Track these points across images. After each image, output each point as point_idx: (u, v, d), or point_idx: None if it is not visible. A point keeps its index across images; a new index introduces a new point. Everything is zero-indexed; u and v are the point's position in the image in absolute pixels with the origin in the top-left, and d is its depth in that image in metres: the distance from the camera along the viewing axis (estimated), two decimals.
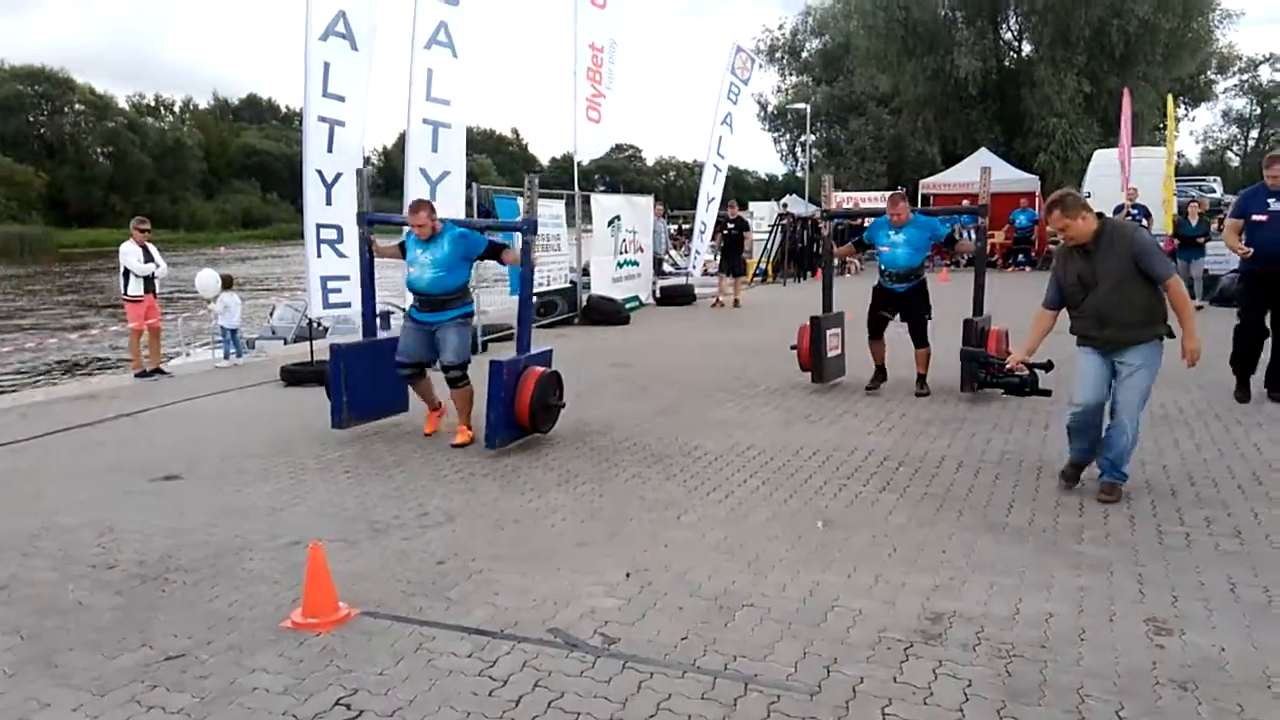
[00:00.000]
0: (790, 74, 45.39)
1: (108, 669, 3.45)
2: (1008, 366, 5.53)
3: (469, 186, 12.11)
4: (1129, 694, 3.11)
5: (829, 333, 8.47)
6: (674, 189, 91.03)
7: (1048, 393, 5.85)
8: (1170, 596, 3.89)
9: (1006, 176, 25.32)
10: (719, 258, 17.27)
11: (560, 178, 15.72)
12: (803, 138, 41.31)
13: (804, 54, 44.67)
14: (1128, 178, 18.40)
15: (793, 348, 8.64)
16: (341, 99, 9.40)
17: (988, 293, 8.42)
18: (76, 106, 70.83)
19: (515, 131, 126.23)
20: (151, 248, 10.23)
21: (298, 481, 5.89)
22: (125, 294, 10.20)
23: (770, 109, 45.48)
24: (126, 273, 10.08)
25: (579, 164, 14.39)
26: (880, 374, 8.42)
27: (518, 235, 7.22)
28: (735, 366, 9.98)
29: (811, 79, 43.98)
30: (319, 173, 9.38)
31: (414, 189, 10.09)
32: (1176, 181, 19.51)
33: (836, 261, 17.98)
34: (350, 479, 5.92)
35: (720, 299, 16.58)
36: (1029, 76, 32.79)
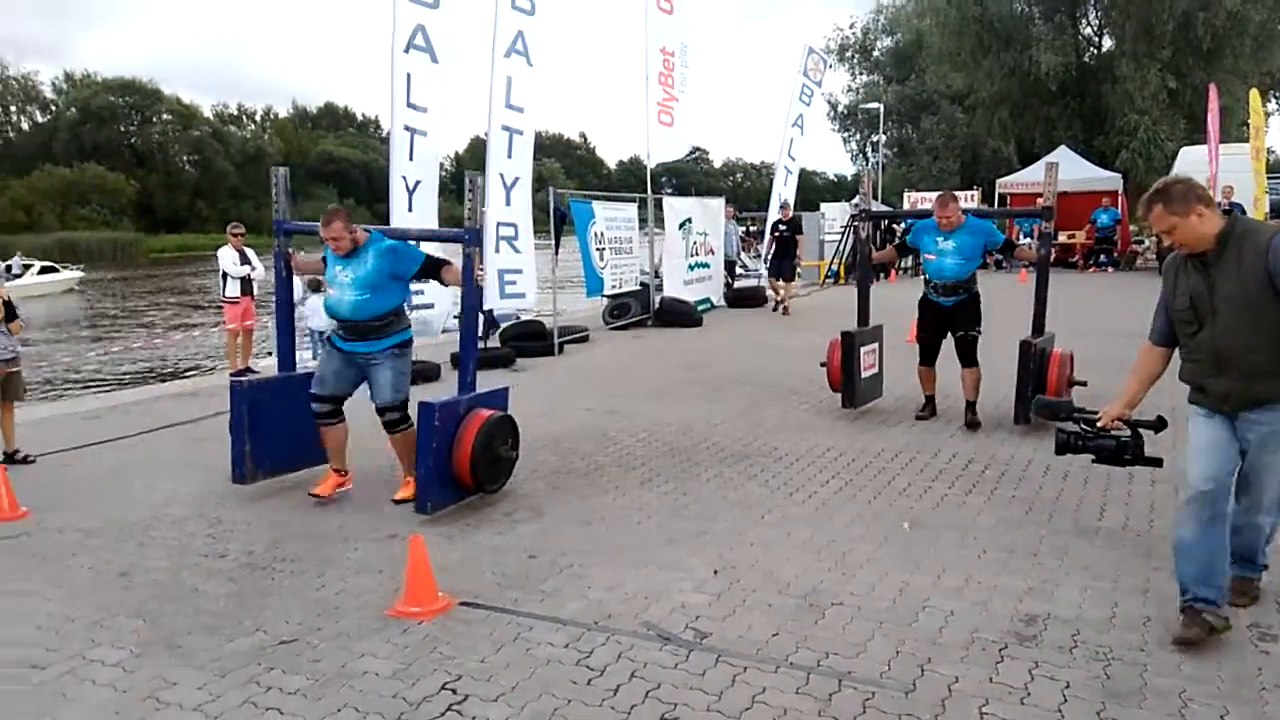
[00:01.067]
0: (861, 73, 44.94)
1: (226, 651, 3.65)
2: (1100, 425, 3.88)
3: (545, 190, 12.33)
4: (1234, 699, 3.07)
5: (864, 350, 7.48)
6: (741, 190, 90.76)
7: (1158, 462, 4.06)
8: (1275, 604, 3.80)
9: (1087, 175, 24.68)
10: (769, 260, 16.48)
11: (627, 180, 15.93)
12: (874, 137, 40.84)
13: (875, 53, 44.18)
14: (1215, 175, 17.81)
15: (822, 365, 7.69)
16: (423, 109, 9.67)
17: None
18: (164, 116, 73.65)
19: (583, 135, 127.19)
20: (249, 251, 10.64)
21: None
22: (223, 296, 10.64)
23: (840, 109, 45.04)
24: (224, 275, 10.51)
25: (650, 168, 14.52)
26: (930, 406, 7.45)
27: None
28: (807, 369, 9.94)
29: (883, 78, 43.46)
30: (403, 179, 9.66)
31: (493, 194, 10.33)
32: (1268, 178, 18.80)
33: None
34: None
35: (779, 302, 15.84)
36: (1110, 72, 31.86)
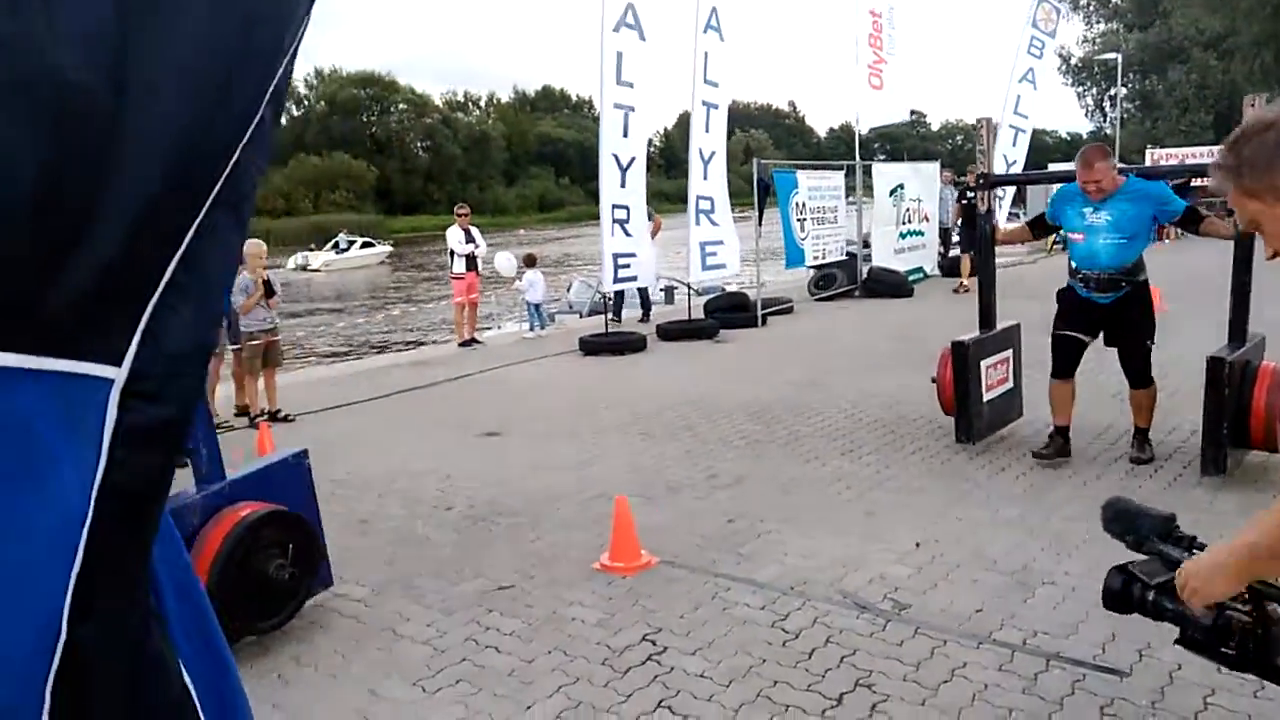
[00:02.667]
0: (1097, 21, 41.40)
1: (452, 594, 4.01)
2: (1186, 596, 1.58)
3: (750, 161, 12.32)
4: None
5: (987, 364, 5.74)
6: (961, 153, 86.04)
7: None
8: None
9: None
10: (959, 232, 14.27)
11: (838, 149, 15.47)
12: (1111, 90, 37.54)
13: None
14: None
15: (933, 380, 5.96)
16: (632, 86, 9.93)
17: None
18: (400, 106, 79.29)
19: (792, 104, 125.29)
20: (474, 230, 11.37)
21: (598, 442, 6.38)
22: (450, 272, 11.45)
23: (1074, 61, 41.74)
24: (451, 253, 11.30)
25: (859, 133, 14.13)
26: (1060, 441, 5.38)
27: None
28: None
29: (1123, 25, 39.85)
30: (615, 157, 9.98)
31: (695, 169, 10.49)
32: None
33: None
34: (645, 441, 6.33)
35: (964, 282, 13.01)
36: None
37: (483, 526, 4.82)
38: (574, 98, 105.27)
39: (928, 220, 15.73)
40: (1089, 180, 4.95)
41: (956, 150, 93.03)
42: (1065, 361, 5.32)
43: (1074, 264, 5.31)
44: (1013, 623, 3.46)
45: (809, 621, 3.58)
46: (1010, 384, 6.04)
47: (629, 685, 3.19)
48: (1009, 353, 6.03)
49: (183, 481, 3.83)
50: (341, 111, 75.49)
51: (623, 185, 10.12)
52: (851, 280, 13.86)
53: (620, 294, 11.16)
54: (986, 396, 5.76)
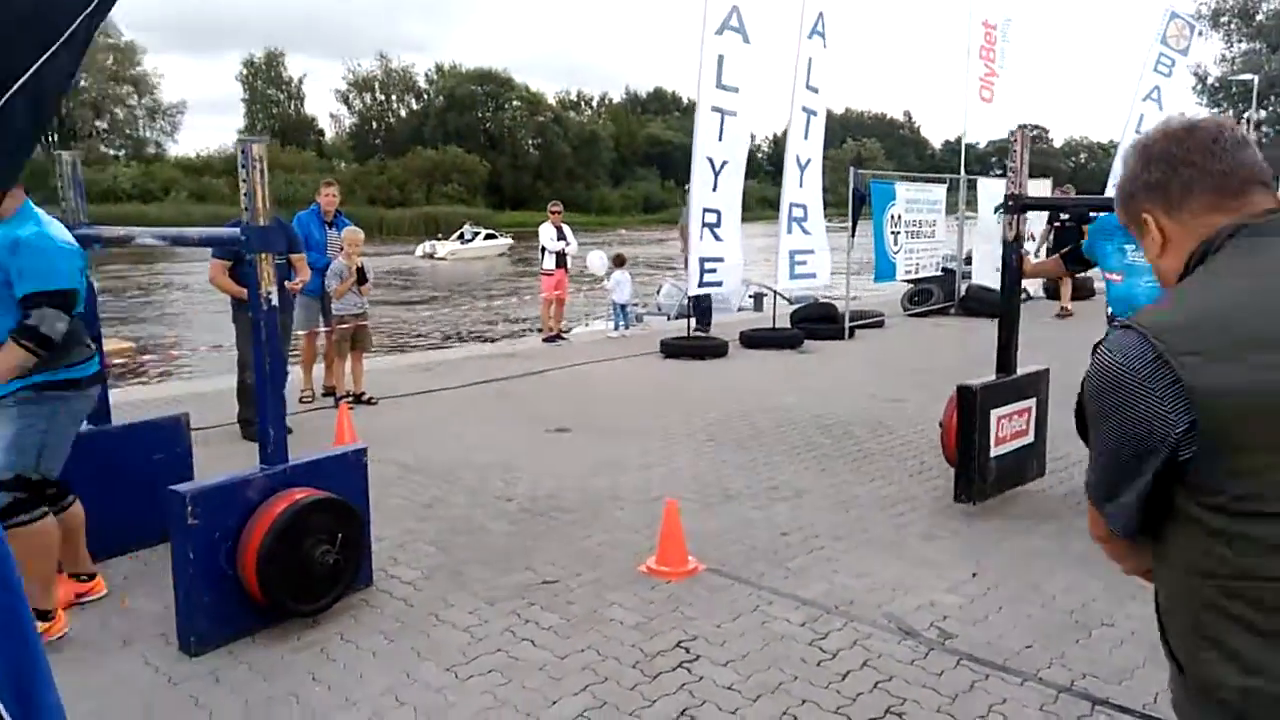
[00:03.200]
0: (1239, 40, 39.18)
1: (498, 584, 4.07)
2: None
3: (847, 170, 12.11)
4: None
5: (1000, 414, 4.97)
6: (1083, 172, 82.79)
7: None
8: None
9: None
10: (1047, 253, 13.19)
11: (950, 161, 15.00)
12: (1247, 113, 35.49)
13: (1259, 16, 38.26)
14: None
15: (941, 425, 5.39)
16: (734, 90, 9.88)
17: None
18: (514, 103, 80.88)
19: (907, 114, 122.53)
20: (565, 228, 11.52)
21: (665, 445, 6.38)
22: (541, 268, 11.63)
23: (1210, 81, 39.62)
24: (543, 249, 11.47)
25: (967, 146, 13.74)
26: None
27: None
28: None
29: (1266, 45, 37.58)
30: (709, 159, 9.95)
31: (789, 175, 10.38)
32: None
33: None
34: (711, 446, 6.30)
35: (1066, 305, 12.85)
36: None
37: (538, 520, 4.88)
38: (685, 100, 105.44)
39: (1033, 239, 15.16)
40: None
41: (1079, 168, 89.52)
42: None
43: (1111, 310, 4.84)
44: (1062, 662, 3.32)
45: (848, 643, 3.50)
46: (1030, 438, 5.25)
47: (657, 690, 3.18)
48: (1030, 402, 5.22)
49: (249, 460, 4.01)
50: (458, 107, 77.51)
51: (715, 189, 10.08)
52: (949, 297, 13.48)
53: (701, 299, 11.05)
54: (996, 451, 4.96)
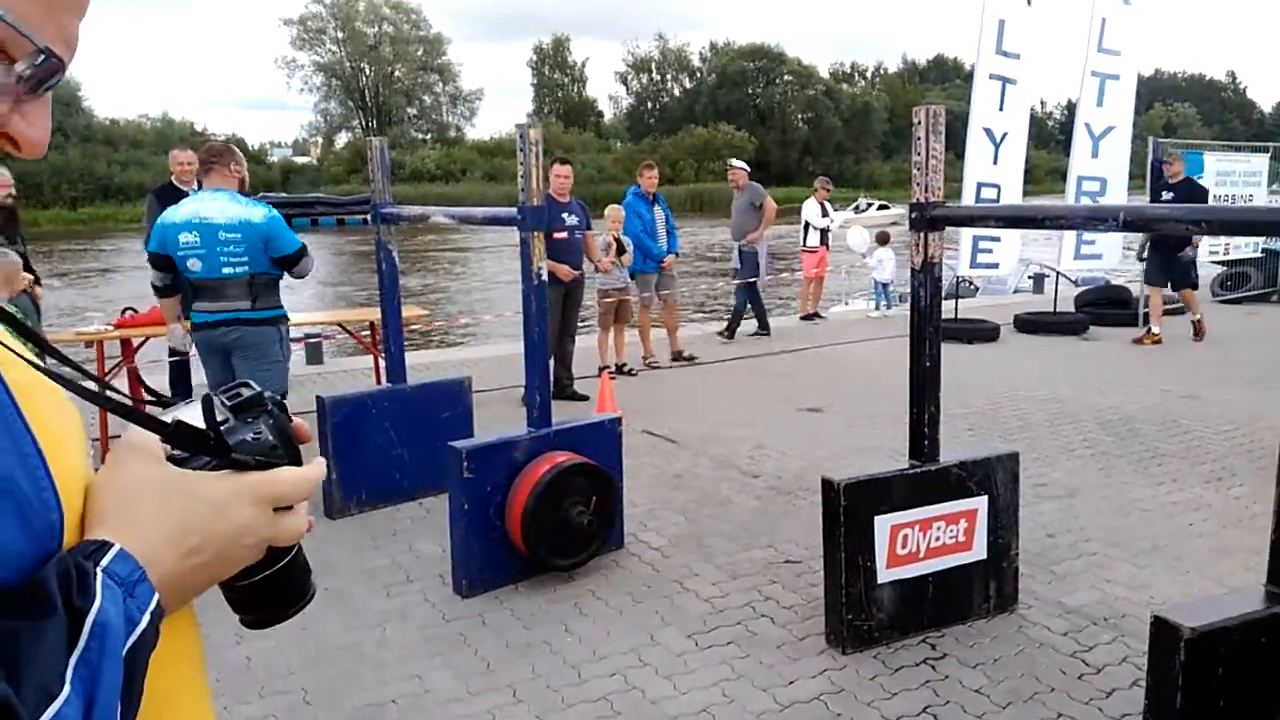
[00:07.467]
0: None
1: (741, 558, 4.13)
2: None
3: (1145, 140, 10.92)
4: None
5: (899, 522, 3.30)
6: None
7: None
8: None
9: None
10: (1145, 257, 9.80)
11: None
12: None
13: None
14: None
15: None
16: (1014, 56, 9.22)
17: None
18: (785, 78, 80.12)
19: (1231, 74, 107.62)
20: (828, 205, 11.31)
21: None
22: (803, 245, 11.50)
23: None
24: (806, 225, 11.33)
25: None
26: None
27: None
28: None
29: None
30: (986, 130, 9.37)
31: (1079, 146, 9.52)
32: None
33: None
34: (972, 436, 5.98)
35: (1152, 330, 9.15)
36: None
37: (785, 499, 4.88)
38: (967, 67, 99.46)
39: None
40: None
41: None
42: None
43: None
44: None
45: (1116, 659, 3.22)
46: (974, 552, 3.46)
47: (897, 683, 3.10)
48: (973, 503, 3.44)
49: (519, 424, 4.33)
50: (729, 84, 77.99)
51: (995, 162, 9.47)
52: (1269, 282, 11.81)
53: (751, 295, 9.88)
54: (891, 575, 3.31)
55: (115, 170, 48.48)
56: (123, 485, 0.63)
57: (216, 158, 4.44)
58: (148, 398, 0.82)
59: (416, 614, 3.68)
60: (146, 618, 0.56)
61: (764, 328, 10.04)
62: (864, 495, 3.23)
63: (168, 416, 0.65)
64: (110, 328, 6.13)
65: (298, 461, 0.69)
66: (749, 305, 9.90)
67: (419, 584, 3.95)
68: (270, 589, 0.70)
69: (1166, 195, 8.88)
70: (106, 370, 6.15)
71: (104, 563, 0.56)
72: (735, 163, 10.29)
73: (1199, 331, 9.15)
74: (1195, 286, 9.43)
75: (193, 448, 0.64)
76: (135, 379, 6.22)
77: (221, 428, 0.65)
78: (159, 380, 7.11)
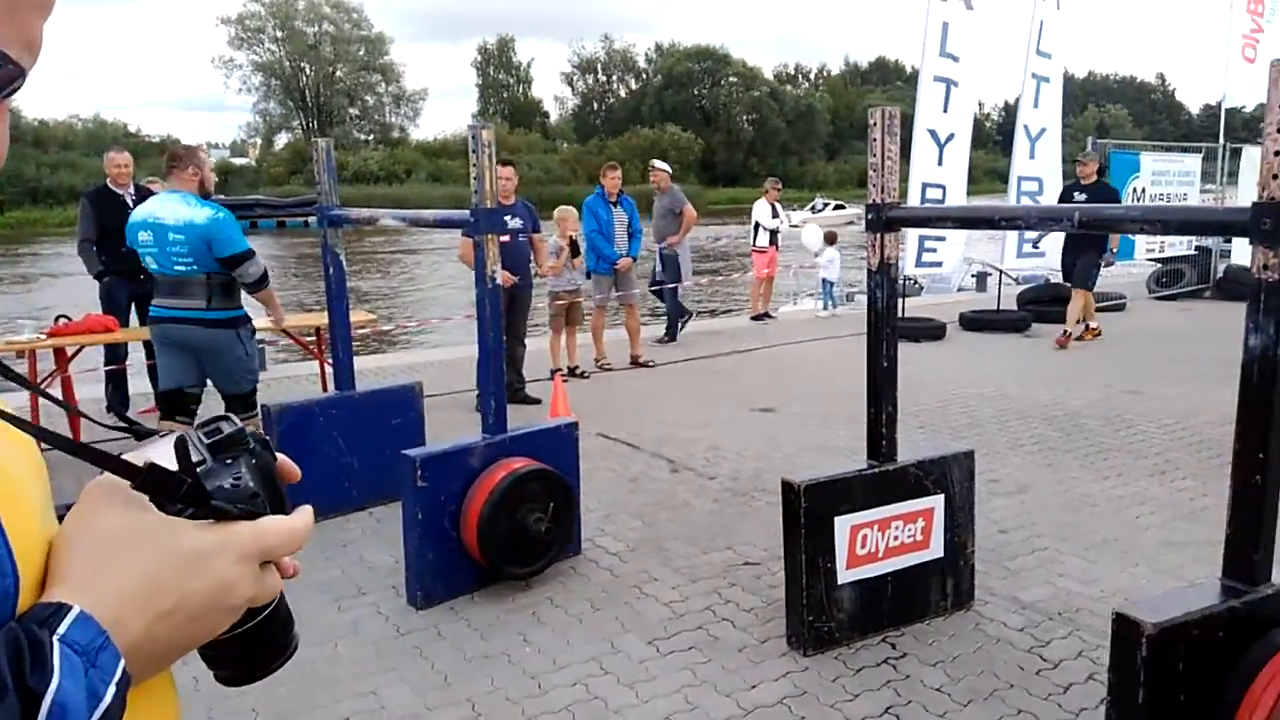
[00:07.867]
0: None
1: (700, 561, 4.10)
2: None
3: (1079, 141, 11.18)
4: None
5: (859, 522, 3.30)
6: None
7: None
8: None
9: None
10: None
11: (1212, 128, 13.37)
12: None
13: None
14: None
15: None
16: (956, 59, 9.38)
17: None
18: (730, 79, 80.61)
19: (1160, 77, 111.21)
20: (778, 205, 11.37)
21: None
22: (753, 245, 11.55)
23: None
24: (756, 225, 11.38)
25: (1228, 111, 12.30)
26: None
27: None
28: None
29: None
30: (931, 132, 9.51)
31: (1020, 148, 9.73)
32: None
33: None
34: (923, 435, 6.03)
35: (1067, 331, 9.02)
36: None
37: (741, 500, 4.87)
38: (908, 69, 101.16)
39: None
40: None
41: None
42: None
43: None
44: None
45: (1072, 653, 3.26)
46: (931, 551, 3.48)
47: (859, 684, 3.10)
48: (930, 502, 3.45)
49: (471, 428, 4.24)
50: (675, 85, 78.21)
51: (940, 163, 9.62)
52: (1202, 279, 12.17)
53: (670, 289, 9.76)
54: (851, 576, 3.29)
55: (44, 173, 46.83)
56: (91, 535, 0.56)
57: (175, 161, 4.58)
58: (121, 426, 0.74)
59: (370, 628, 3.59)
60: (111, 690, 0.50)
61: (670, 334, 9.72)
62: (824, 496, 3.22)
63: (140, 457, 0.57)
64: (43, 336, 5.90)
65: (282, 506, 0.63)
66: (669, 308, 9.77)
67: (371, 596, 3.85)
68: (248, 644, 0.64)
69: (1079, 196, 8.58)
70: (39, 380, 5.92)
71: (60, 630, 0.50)
72: (658, 164, 10.14)
73: (1065, 342, 8.86)
74: (1086, 286, 9.03)
75: (166, 495, 0.56)
76: (70, 390, 6.00)
77: (199, 469, 0.58)
78: (94, 390, 6.87)
